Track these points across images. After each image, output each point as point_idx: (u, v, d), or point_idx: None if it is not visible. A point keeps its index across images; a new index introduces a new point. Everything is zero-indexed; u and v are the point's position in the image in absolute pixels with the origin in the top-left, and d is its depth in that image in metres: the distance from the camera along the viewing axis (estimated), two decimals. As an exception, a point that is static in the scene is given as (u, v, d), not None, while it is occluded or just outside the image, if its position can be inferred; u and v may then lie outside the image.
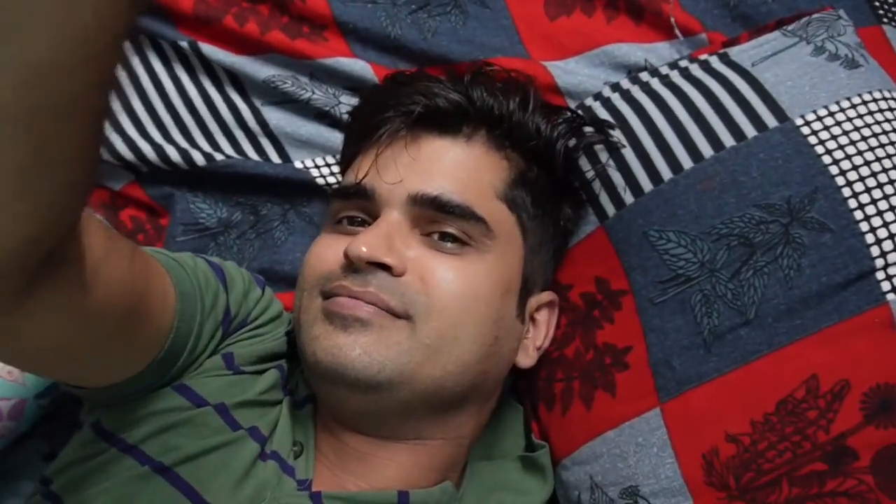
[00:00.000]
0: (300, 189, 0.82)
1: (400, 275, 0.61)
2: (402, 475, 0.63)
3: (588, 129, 0.71)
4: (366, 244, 0.60)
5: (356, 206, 0.66)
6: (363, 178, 0.65)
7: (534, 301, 0.69)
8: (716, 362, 0.63)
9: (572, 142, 0.70)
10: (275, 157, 0.84)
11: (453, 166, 0.65)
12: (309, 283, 0.64)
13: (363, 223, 0.66)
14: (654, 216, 0.68)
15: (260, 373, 0.65)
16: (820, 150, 0.64)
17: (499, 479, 0.69)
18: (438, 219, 0.63)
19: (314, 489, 0.60)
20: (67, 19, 0.31)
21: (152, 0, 0.78)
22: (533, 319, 0.69)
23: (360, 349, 0.58)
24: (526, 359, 0.69)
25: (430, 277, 0.61)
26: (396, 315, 0.60)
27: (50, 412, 0.78)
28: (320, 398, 0.66)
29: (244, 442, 0.60)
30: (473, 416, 0.67)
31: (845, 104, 0.66)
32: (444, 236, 0.63)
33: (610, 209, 0.70)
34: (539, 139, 0.68)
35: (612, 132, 0.71)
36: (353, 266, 0.61)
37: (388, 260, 0.60)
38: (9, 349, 0.47)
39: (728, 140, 0.67)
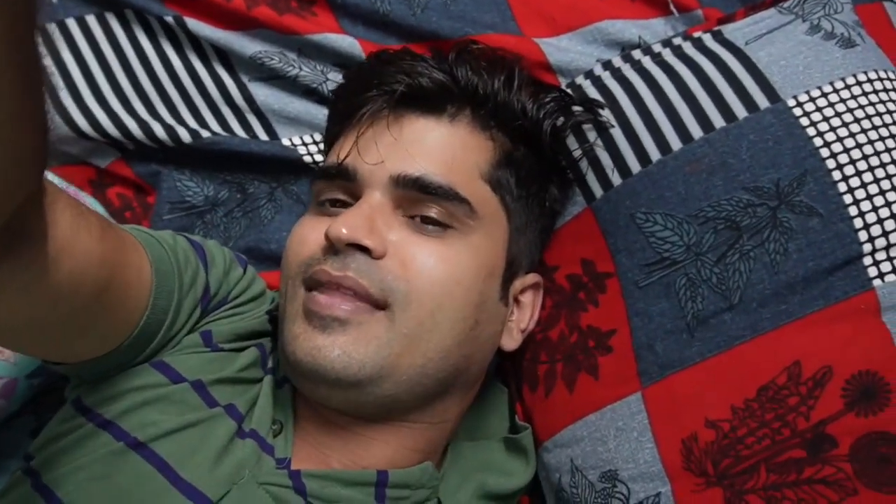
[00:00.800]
0: (287, 167, 0.81)
1: (380, 257, 0.60)
2: (387, 454, 0.63)
3: (577, 108, 0.70)
4: (346, 226, 0.59)
5: (338, 187, 0.65)
6: (345, 158, 0.64)
7: (518, 283, 0.68)
8: (699, 347, 0.62)
9: (560, 120, 0.69)
10: (262, 135, 0.83)
11: (436, 147, 0.64)
12: (292, 269, 0.63)
13: (346, 204, 0.65)
14: (641, 198, 0.67)
15: (239, 350, 0.65)
16: (811, 132, 0.63)
17: (482, 460, 0.69)
18: (421, 200, 0.62)
19: (293, 468, 0.60)
20: None
21: None
22: (517, 301, 0.69)
23: (339, 350, 0.58)
24: (510, 341, 0.68)
25: (411, 262, 0.60)
26: (375, 305, 0.59)
27: (41, 390, 0.78)
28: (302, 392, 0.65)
29: (221, 419, 0.60)
30: (458, 400, 0.67)
31: (839, 84, 0.65)
32: (427, 218, 0.62)
33: (597, 190, 0.69)
34: (525, 119, 0.67)
35: (601, 111, 0.69)
36: (333, 248, 0.60)
37: (367, 242, 0.60)
38: None
39: (718, 121, 0.66)
